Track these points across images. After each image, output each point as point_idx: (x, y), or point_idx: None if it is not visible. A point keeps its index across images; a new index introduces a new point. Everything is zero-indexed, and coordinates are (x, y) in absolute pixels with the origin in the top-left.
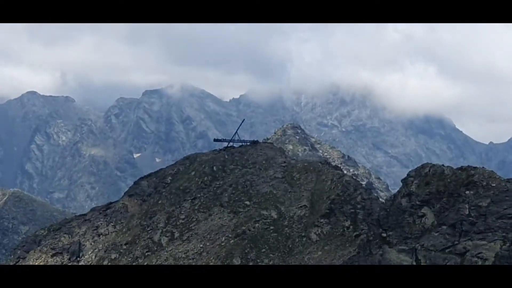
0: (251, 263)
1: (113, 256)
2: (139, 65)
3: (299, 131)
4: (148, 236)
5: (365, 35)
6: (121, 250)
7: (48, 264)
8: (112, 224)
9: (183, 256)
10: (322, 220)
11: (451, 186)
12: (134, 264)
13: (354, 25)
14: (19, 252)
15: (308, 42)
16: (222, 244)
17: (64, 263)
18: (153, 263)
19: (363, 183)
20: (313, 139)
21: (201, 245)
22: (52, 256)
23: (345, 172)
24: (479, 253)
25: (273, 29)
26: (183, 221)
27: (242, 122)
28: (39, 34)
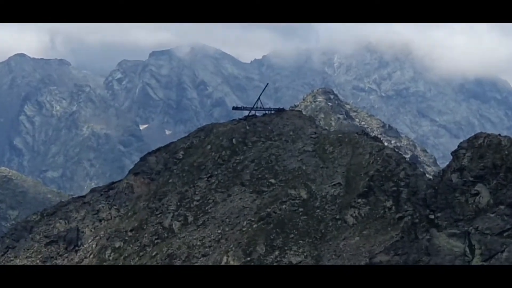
0: (277, 251)
1: (117, 245)
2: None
3: (332, 96)
4: (157, 220)
5: None
6: (126, 238)
7: (42, 252)
8: (115, 207)
9: (198, 243)
10: (359, 200)
11: (510, 159)
12: (142, 253)
13: None
14: (7, 241)
15: None
16: (244, 229)
17: (60, 252)
18: (164, 252)
19: (407, 156)
20: (348, 106)
21: (219, 231)
22: (46, 245)
23: (385, 144)
24: None
25: None
26: (197, 203)
27: (266, 86)
28: None
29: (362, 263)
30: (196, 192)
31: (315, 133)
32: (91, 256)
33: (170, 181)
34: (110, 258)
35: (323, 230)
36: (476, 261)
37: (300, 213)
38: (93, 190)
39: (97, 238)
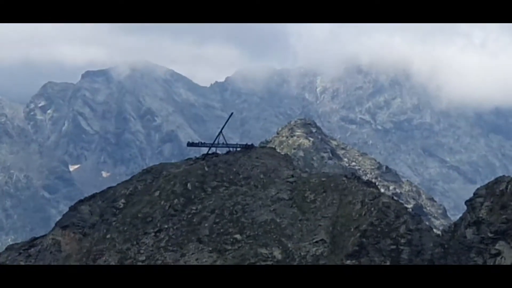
0: None
1: None
2: (70, 33)
3: (314, 130)
4: None
5: None
6: None
7: None
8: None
9: None
10: (348, 262)
11: None
12: None
13: None
14: None
15: None
16: None
17: None
18: None
19: (409, 206)
20: (334, 142)
21: None
22: None
23: (382, 190)
24: None
25: None
26: (143, 264)
27: (230, 116)
28: None
29: None
30: (141, 251)
31: (293, 176)
32: None
33: (108, 236)
34: None
35: None
36: None
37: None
38: (9, 248)
39: None
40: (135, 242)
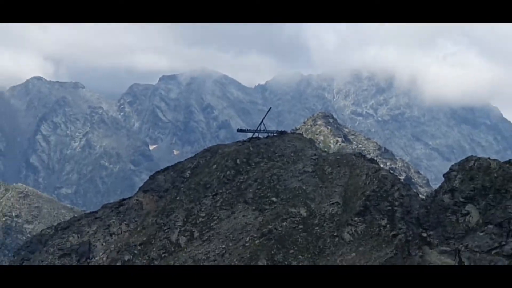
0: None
1: (126, 258)
2: (150, 48)
3: (331, 120)
4: (165, 235)
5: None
6: (135, 251)
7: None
8: (125, 222)
9: (203, 257)
10: (356, 219)
11: (498, 181)
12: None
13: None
14: (23, 253)
15: (328, 24)
16: (246, 244)
17: (73, 265)
18: (171, 264)
19: (402, 177)
20: (346, 130)
21: (223, 246)
22: (59, 257)
23: (381, 165)
24: None
25: None
26: (203, 219)
27: (269, 110)
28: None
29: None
30: (202, 209)
31: (315, 154)
32: None
33: (178, 198)
34: None
35: (321, 246)
36: None
37: (300, 230)
38: (104, 206)
39: (107, 251)
40: (197, 203)
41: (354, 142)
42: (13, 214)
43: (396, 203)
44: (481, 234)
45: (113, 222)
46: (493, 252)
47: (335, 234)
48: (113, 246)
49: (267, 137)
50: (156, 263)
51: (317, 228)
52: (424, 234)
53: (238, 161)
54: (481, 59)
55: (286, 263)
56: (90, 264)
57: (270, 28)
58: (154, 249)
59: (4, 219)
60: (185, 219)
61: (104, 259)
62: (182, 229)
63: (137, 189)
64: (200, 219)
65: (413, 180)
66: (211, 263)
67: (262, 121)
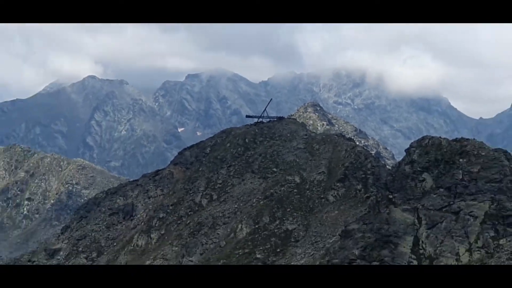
0: (277, 221)
1: (161, 215)
2: (177, 52)
3: (318, 108)
4: (191, 198)
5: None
6: (168, 210)
7: (106, 220)
8: (160, 188)
9: (220, 215)
10: (337, 184)
11: (447, 155)
12: (179, 222)
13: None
14: (81, 212)
15: (315, 32)
16: (253, 204)
17: (119, 221)
18: (195, 221)
19: (372, 152)
20: (330, 115)
21: (236, 206)
22: (109, 215)
23: (357, 143)
24: (471, 211)
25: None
26: (220, 185)
27: (270, 101)
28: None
29: (340, 230)
30: (219, 178)
31: (306, 135)
32: (142, 223)
33: (200, 169)
34: (156, 225)
35: (311, 206)
36: (422, 229)
37: (295, 193)
38: (144, 176)
39: (146, 210)
40: (215, 172)
41: (336, 125)
42: (74, 182)
43: (369, 172)
44: (434, 196)
45: (151, 187)
46: (443, 209)
47: (321, 196)
48: (150, 206)
49: (269, 121)
50: (184, 219)
51: (307, 191)
52: (390, 196)
53: (246, 140)
54: (433, 61)
55: (284, 218)
56: (132, 220)
57: (270, 36)
58: (182, 208)
59: (67, 186)
60: (206, 185)
61: (143, 216)
62: (204, 193)
63: (168, 162)
64: (218, 185)
65: (381, 155)
66: (226, 219)
67: (265, 109)
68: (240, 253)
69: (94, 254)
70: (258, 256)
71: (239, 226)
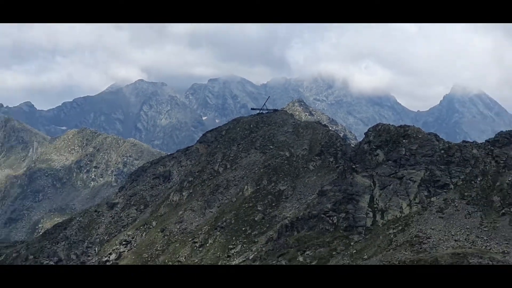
0: (273, 183)
1: (190, 179)
2: (202, 62)
3: (302, 103)
4: (211, 167)
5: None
6: (195, 175)
7: (150, 183)
8: (189, 159)
9: (232, 179)
10: (316, 157)
11: (394, 137)
12: (202, 184)
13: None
14: (133, 176)
15: (300, 49)
16: (256, 172)
17: (160, 183)
18: (214, 183)
19: (341, 135)
20: (311, 109)
21: (243, 172)
22: (153, 179)
23: (330, 128)
24: (411, 177)
25: (274, 33)
26: (232, 158)
27: (268, 98)
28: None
29: (317, 190)
30: (231, 153)
31: (294, 122)
32: (176, 185)
33: (218, 146)
34: (187, 186)
35: (297, 173)
36: (376, 190)
37: (285, 164)
38: (178, 151)
39: (179, 175)
40: (229, 149)
41: (315, 116)
42: (128, 155)
43: (338, 149)
44: (385, 166)
45: (182, 159)
46: (391, 176)
47: (304, 166)
48: (182, 172)
49: (267, 113)
50: (206, 182)
51: (295, 162)
52: (354, 166)
53: (251, 125)
54: (383, 70)
55: (278, 182)
56: (169, 182)
57: (268, 51)
58: (205, 174)
59: (122, 158)
60: (222, 158)
61: (177, 179)
62: (221, 163)
63: (195, 141)
64: (230, 157)
65: (347, 137)
66: (236, 182)
67: (264, 104)
68: (246, 207)
69: (142, 207)
70: (259, 208)
71: (246, 187)
